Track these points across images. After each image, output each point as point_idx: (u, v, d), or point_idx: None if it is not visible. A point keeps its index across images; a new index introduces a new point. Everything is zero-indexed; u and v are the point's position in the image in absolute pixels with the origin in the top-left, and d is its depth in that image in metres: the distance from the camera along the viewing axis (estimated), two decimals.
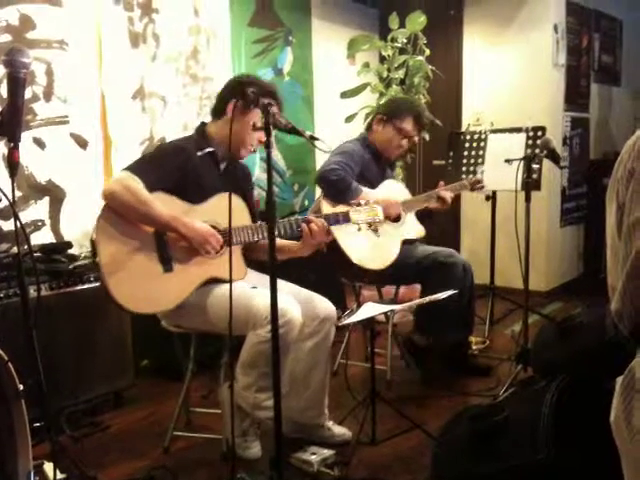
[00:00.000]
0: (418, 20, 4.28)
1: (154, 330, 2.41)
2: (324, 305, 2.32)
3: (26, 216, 3.03)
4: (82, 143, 3.27)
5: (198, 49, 3.90)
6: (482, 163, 3.83)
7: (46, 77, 3.09)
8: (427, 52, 4.39)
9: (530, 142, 3.69)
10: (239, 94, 2.11)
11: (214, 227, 2.17)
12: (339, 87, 4.50)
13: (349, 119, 4.37)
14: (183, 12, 3.79)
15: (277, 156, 4.49)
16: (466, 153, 3.93)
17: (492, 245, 4.08)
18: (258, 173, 4.31)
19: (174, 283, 2.14)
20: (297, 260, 2.35)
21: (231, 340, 2.00)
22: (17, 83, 1.54)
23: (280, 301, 1.74)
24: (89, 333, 2.70)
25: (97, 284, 2.62)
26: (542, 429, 1.71)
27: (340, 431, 2.43)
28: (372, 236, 2.90)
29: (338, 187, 2.79)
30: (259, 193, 4.26)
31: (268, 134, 1.68)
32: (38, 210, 3.10)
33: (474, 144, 3.92)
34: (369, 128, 3.17)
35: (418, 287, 3.11)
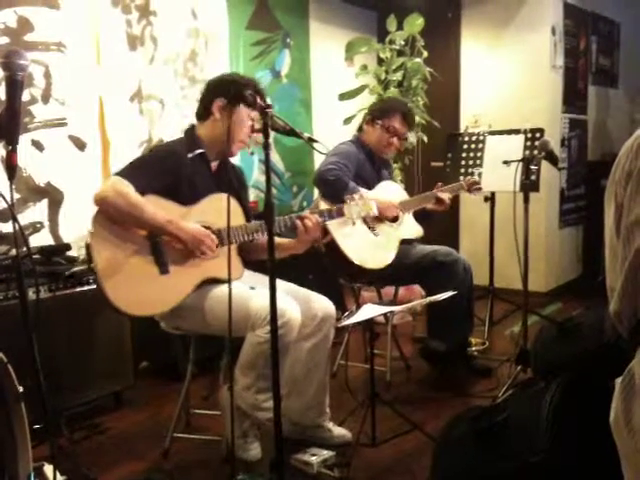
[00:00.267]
0: (416, 22, 4.30)
1: (154, 332, 2.41)
2: (323, 304, 2.32)
3: (25, 218, 3.02)
4: (80, 145, 3.27)
5: (196, 51, 3.90)
6: (480, 165, 3.84)
7: (44, 79, 3.09)
8: (425, 54, 4.41)
9: (528, 144, 3.70)
10: (222, 93, 2.21)
11: (207, 228, 2.17)
12: (337, 89, 4.52)
13: (347, 121, 4.37)
14: (181, 15, 3.79)
15: (275, 158, 4.49)
16: (464, 155, 3.94)
17: (491, 246, 4.08)
18: (257, 175, 4.32)
19: (171, 285, 2.14)
20: (296, 262, 2.35)
21: (230, 341, 2.00)
22: (15, 85, 1.53)
23: (279, 301, 1.73)
24: (88, 335, 2.71)
25: (96, 286, 2.62)
26: (542, 430, 1.71)
27: (340, 432, 2.43)
28: (370, 236, 2.91)
29: (335, 187, 2.80)
30: (257, 195, 4.27)
31: (266, 136, 1.68)
32: (37, 212, 3.10)
33: (472, 146, 3.93)
34: (360, 129, 3.23)
35: (417, 288, 3.12)
